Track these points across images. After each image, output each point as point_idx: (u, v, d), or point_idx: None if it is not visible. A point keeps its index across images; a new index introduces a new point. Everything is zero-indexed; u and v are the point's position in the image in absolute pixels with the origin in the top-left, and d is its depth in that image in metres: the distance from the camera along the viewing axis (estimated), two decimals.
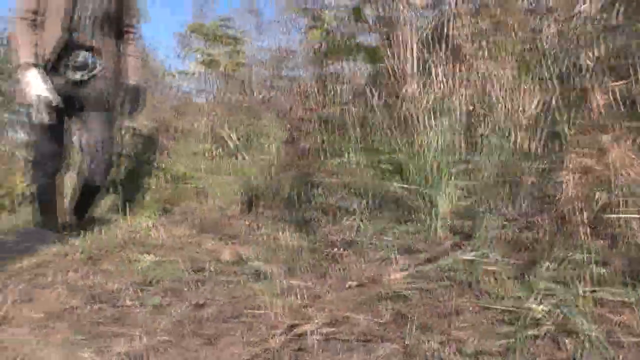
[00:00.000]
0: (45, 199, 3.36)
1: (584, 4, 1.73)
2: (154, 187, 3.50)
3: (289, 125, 2.70)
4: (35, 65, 2.88)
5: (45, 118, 2.95)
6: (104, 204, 3.89)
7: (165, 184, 3.45)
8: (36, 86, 2.95)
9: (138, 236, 2.90)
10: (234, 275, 2.03)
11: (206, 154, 3.43)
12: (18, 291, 2.34)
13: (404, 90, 1.95)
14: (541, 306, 1.31)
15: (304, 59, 3.00)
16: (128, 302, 2.05)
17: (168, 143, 3.88)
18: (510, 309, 1.35)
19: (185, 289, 2.00)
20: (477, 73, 1.97)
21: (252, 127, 3.25)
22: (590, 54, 1.56)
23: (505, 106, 1.87)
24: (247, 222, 2.61)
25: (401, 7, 2.11)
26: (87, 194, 3.28)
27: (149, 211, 3.26)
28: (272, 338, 1.45)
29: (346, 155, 2.13)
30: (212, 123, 3.52)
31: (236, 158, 3.25)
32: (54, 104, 2.97)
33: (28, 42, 2.96)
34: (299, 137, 2.50)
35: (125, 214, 3.30)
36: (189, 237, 2.72)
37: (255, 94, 3.56)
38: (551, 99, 1.74)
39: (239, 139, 3.28)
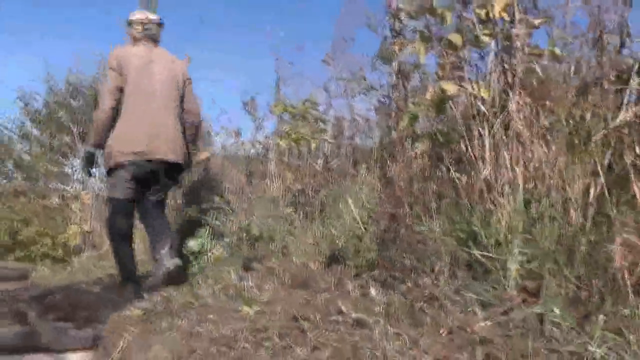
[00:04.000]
0: (122, 253, 4.08)
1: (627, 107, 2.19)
2: (237, 246, 3.98)
3: (375, 193, 3.13)
4: None
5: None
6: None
7: (247, 242, 3.92)
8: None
9: (232, 291, 3.35)
10: (335, 324, 2.44)
11: (285, 217, 3.90)
12: (135, 337, 2.80)
13: (478, 173, 2.42)
14: (599, 350, 1.72)
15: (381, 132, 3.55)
16: (246, 345, 2.48)
17: (245, 204, 4.38)
18: (575, 351, 1.76)
19: (296, 335, 2.43)
20: (535, 157, 2.43)
21: (331, 192, 3.72)
22: (631, 155, 2.00)
23: (559, 187, 2.31)
24: (333, 278, 3.04)
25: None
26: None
27: (235, 267, 3.71)
28: None
29: (427, 222, 2.59)
30: (291, 187, 4.01)
31: (313, 220, 3.70)
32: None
33: None
34: (384, 203, 2.94)
35: (211, 270, 3.78)
36: (281, 291, 3.16)
37: (329, 161, 4.07)
38: (597, 183, 2.18)
39: (314, 203, 3.75)
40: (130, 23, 4.24)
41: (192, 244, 4.18)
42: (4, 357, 2.60)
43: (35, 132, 9.62)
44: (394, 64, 3.72)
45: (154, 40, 4.26)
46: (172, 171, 4.05)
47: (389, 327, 2.18)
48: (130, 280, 3.95)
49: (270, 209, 4.11)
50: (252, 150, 5.48)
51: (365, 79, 4.44)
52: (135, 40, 4.21)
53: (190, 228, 4.65)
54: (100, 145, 4.05)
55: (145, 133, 3.88)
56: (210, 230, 4.20)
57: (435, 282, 2.40)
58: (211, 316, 2.86)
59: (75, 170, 8.86)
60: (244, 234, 3.92)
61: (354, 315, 2.41)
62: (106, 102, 3.96)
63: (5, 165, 9.71)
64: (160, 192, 4.11)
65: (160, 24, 4.34)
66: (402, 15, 3.71)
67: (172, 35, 11.19)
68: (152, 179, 3.98)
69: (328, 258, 3.24)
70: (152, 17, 4.35)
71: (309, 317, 2.55)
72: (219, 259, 3.95)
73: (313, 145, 3.63)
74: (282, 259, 3.58)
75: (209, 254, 4.01)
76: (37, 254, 7.02)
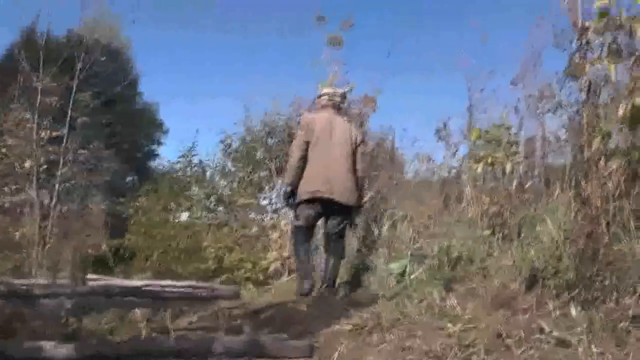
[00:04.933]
0: (303, 268, 5.04)
1: None
2: (437, 268, 4.22)
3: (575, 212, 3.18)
4: None
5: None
6: (387, 279, 4.71)
7: (448, 264, 4.14)
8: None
9: (436, 309, 3.59)
10: (538, 342, 2.58)
11: (483, 239, 4.07)
12: (349, 350, 3.16)
13: None
14: None
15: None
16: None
17: (443, 227, 4.63)
18: None
19: (501, 352, 2.61)
20: None
21: (527, 213, 3.83)
22: None
23: None
24: (533, 298, 3.16)
25: None
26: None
27: (438, 288, 3.94)
28: None
29: (626, 241, 2.63)
30: (487, 210, 4.17)
31: (511, 242, 3.81)
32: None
33: None
34: (580, 222, 3.00)
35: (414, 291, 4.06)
36: (483, 310, 3.33)
37: (523, 182, 4.17)
38: None
39: (510, 225, 3.87)
40: (319, 95, 5.48)
41: (394, 266, 4.51)
42: None
43: (234, 169, 10.73)
44: (582, 80, 3.72)
45: (337, 107, 5.43)
46: (344, 210, 5.09)
47: (592, 347, 2.28)
48: (306, 291, 4.93)
49: (467, 231, 4.30)
50: (446, 175, 5.70)
51: (554, 97, 4.46)
52: (322, 107, 5.38)
53: (389, 251, 5.00)
54: (293, 184, 5.11)
55: (324, 179, 4.95)
56: (411, 253, 4.49)
57: (638, 301, 2.43)
58: (419, 332, 3.11)
59: (271, 202, 9.65)
60: (445, 257, 4.14)
61: (556, 334, 2.53)
62: (296, 154, 5.09)
63: (210, 201, 10.91)
64: (337, 225, 5.15)
65: (344, 96, 5.63)
66: (589, 33, 3.71)
67: (361, 69, 11.89)
68: (327, 213, 5.10)
69: (527, 279, 3.35)
70: (339, 90, 5.61)
71: (512, 334, 2.71)
72: (420, 280, 4.20)
73: (508, 168, 3.77)
74: (482, 279, 3.74)
75: (411, 275, 4.28)
76: (240, 277, 7.75)
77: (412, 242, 4.75)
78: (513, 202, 4.11)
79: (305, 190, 4.99)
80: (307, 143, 5.05)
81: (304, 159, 5.06)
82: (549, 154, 4.49)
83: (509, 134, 4.06)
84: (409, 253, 4.50)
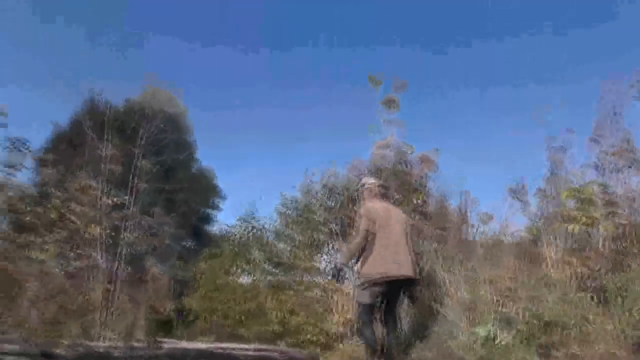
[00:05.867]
0: (367, 336, 5.48)
1: None
2: (527, 333, 4.03)
3: None
4: None
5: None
6: (472, 344, 4.53)
7: (538, 329, 3.96)
8: None
9: None
10: None
11: (576, 302, 3.88)
12: None
13: None
14: None
15: None
16: None
17: (529, 291, 4.45)
18: None
19: None
20: None
21: (624, 275, 3.66)
22: None
23: None
24: None
25: None
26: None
27: (530, 355, 3.77)
28: None
29: None
30: (576, 271, 4.00)
31: (608, 304, 3.63)
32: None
33: None
34: None
35: (502, 356, 3.88)
36: None
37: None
38: None
39: (607, 287, 3.69)
40: (365, 184, 6.23)
41: (479, 330, 4.34)
42: None
43: (291, 232, 10.75)
44: None
45: (386, 197, 6.31)
46: (408, 285, 5.67)
47: None
48: (372, 356, 5.35)
49: (556, 294, 4.13)
50: (523, 235, 5.55)
51: (634, 152, 4.35)
52: (374, 195, 6.07)
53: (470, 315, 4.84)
54: (348, 264, 5.80)
55: (392, 260, 5.49)
56: (497, 317, 4.32)
57: None
58: None
59: (331, 265, 9.57)
60: (536, 321, 3.96)
61: None
62: (359, 240, 5.62)
63: (270, 264, 10.89)
64: (399, 300, 5.85)
65: (387, 188, 6.72)
66: None
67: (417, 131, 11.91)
68: (391, 291, 5.58)
69: (635, 343, 3.17)
70: (383, 183, 6.59)
71: None
72: (509, 345, 4.03)
73: (610, 229, 3.64)
74: (581, 345, 3.56)
75: (499, 340, 4.11)
76: (304, 340, 7.67)
77: (496, 306, 4.57)
78: (607, 263, 3.93)
79: (376, 272, 5.48)
80: (368, 230, 5.59)
81: (364, 246, 5.61)
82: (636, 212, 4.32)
83: (606, 192, 3.92)
84: (493, 317, 4.32)
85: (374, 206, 5.91)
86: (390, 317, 5.66)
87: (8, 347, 5.04)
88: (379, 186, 6.20)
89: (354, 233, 5.88)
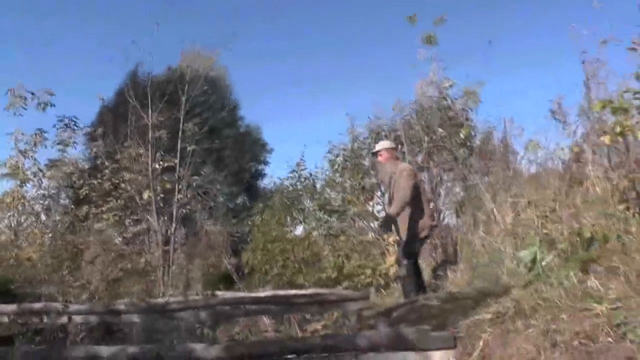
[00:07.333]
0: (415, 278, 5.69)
1: None
2: (570, 251, 3.98)
3: None
4: None
5: None
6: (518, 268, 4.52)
7: (581, 246, 3.91)
8: None
9: (577, 291, 3.39)
10: None
11: (617, 216, 3.79)
12: (493, 337, 3.08)
13: None
14: None
15: None
16: (608, 339, 2.59)
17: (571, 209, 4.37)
18: None
19: None
20: None
21: None
22: None
23: None
24: None
25: None
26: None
27: (574, 271, 3.70)
28: None
29: None
30: (617, 185, 3.88)
31: None
32: None
33: None
34: None
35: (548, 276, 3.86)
36: (628, 289, 3.07)
37: None
38: None
39: None
40: (383, 146, 6.26)
41: (524, 254, 4.32)
42: (379, 354, 3.13)
43: (341, 179, 10.76)
44: None
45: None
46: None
47: None
48: (415, 292, 5.47)
49: (598, 210, 4.06)
50: (566, 157, 5.43)
51: None
52: (397, 158, 6.29)
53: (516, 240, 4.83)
54: (397, 217, 5.72)
55: (429, 213, 5.90)
56: (540, 239, 4.29)
57: None
58: (563, 315, 2.98)
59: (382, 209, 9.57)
60: (577, 238, 3.92)
61: None
62: (409, 194, 5.58)
63: (323, 212, 10.97)
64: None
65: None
66: None
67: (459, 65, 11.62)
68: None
69: None
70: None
71: None
72: (553, 266, 4.01)
73: None
74: (622, 258, 3.51)
75: (543, 262, 4.09)
76: (362, 283, 7.75)
77: (539, 228, 4.54)
78: None
79: (426, 224, 5.72)
80: (415, 186, 5.71)
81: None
82: None
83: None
84: (537, 239, 4.29)
85: (409, 165, 6.51)
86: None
87: (78, 307, 5.39)
88: (394, 148, 6.50)
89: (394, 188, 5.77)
